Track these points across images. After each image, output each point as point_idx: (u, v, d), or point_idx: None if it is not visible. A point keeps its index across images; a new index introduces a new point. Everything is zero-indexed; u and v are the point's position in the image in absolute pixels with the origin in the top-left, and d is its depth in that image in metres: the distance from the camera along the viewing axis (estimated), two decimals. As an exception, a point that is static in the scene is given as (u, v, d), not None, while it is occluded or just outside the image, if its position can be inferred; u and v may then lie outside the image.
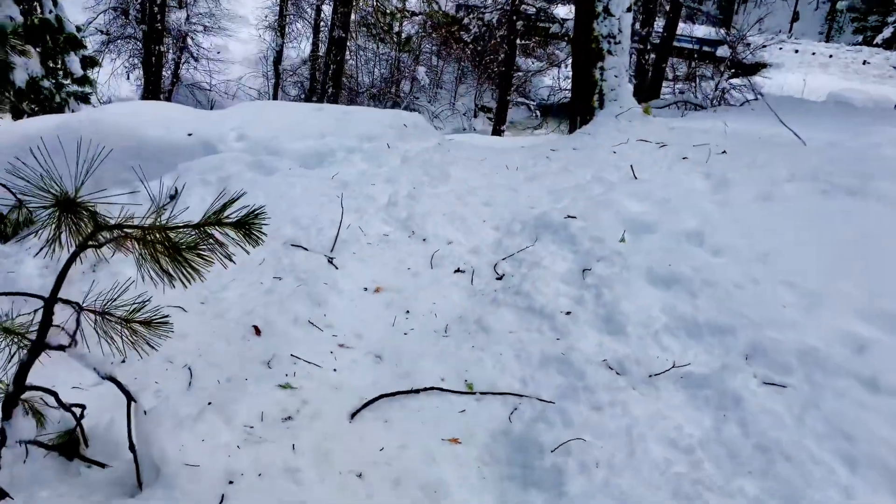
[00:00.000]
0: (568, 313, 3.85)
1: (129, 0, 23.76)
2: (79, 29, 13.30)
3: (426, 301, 4.18)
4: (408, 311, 4.07)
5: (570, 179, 6.09)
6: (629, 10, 7.36)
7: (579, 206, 5.27)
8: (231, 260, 2.35)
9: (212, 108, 25.54)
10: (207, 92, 25.79)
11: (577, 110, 7.70)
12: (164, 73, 25.05)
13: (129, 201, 5.79)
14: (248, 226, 2.29)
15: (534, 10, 22.21)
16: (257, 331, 3.75)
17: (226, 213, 2.30)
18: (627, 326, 3.65)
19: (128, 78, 24.32)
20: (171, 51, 25.16)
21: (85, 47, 12.89)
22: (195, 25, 25.01)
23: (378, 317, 4.01)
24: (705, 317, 3.60)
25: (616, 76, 7.40)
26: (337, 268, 4.46)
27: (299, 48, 27.49)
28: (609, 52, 7.36)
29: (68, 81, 12.31)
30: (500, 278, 4.43)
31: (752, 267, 3.95)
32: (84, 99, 12.56)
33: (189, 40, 25.14)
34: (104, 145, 6.41)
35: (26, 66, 11.88)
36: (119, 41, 24.17)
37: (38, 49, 12.40)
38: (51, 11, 12.41)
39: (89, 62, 12.77)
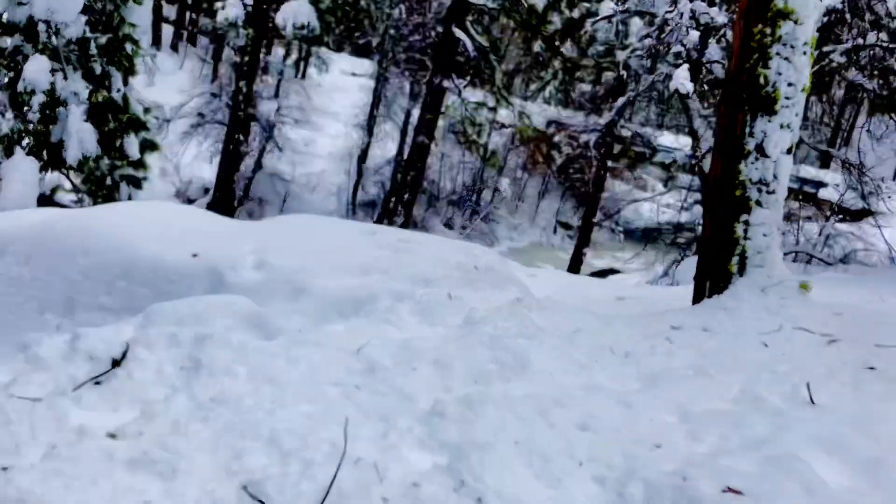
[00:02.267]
0: None
1: (223, 86, 23.17)
2: (147, 111, 12.15)
3: None
4: None
5: (710, 390, 3.94)
6: (790, 151, 5.35)
7: (739, 463, 3.11)
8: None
9: (283, 201, 24.44)
10: (288, 182, 24.76)
11: (705, 271, 5.59)
12: (247, 160, 24.19)
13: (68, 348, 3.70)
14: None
15: (629, 132, 20.49)
16: None
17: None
18: None
19: (210, 161, 23.53)
20: (257, 139, 24.35)
21: (147, 129, 11.63)
22: (285, 117, 24.19)
23: None
24: None
25: (765, 235, 5.33)
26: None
27: (385, 149, 26.39)
28: (758, 202, 5.31)
29: (122, 163, 10.98)
30: None
31: None
32: (136, 183, 11.20)
33: (276, 130, 24.30)
34: (87, 258, 4.56)
35: (81, 144, 10.61)
36: (208, 125, 23.51)
37: (103, 128, 11.19)
38: (119, 90, 11.23)
39: (149, 146, 11.46)
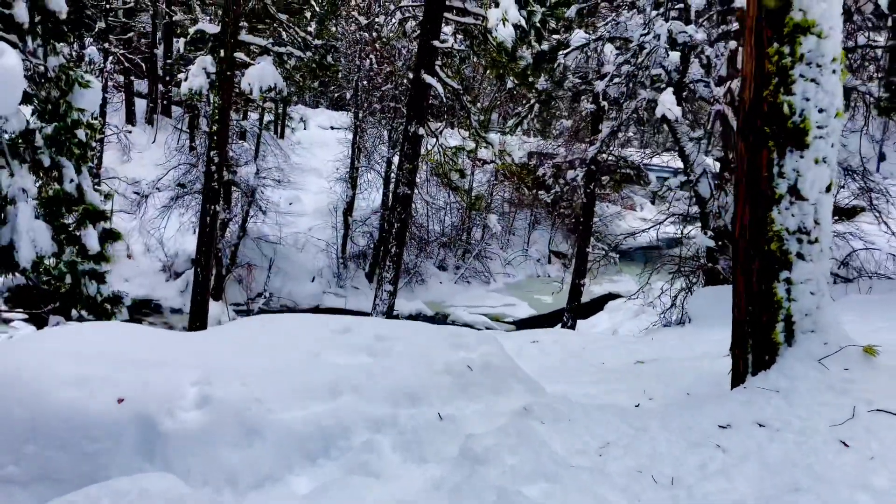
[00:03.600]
0: None
1: (199, 155, 22.25)
2: (107, 196, 11.11)
3: None
4: None
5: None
6: (829, 189, 4.32)
7: None
8: None
9: (270, 266, 23.33)
10: (274, 244, 23.72)
11: (743, 342, 4.50)
12: (231, 226, 23.17)
13: None
14: None
15: (613, 158, 19.51)
16: None
17: None
18: None
19: (194, 232, 22.49)
20: (239, 205, 23.35)
21: (107, 219, 10.58)
22: (265, 179, 23.23)
23: None
24: None
25: (813, 293, 4.28)
26: None
27: (369, 199, 25.43)
28: (800, 255, 4.26)
29: (79, 259, 9.91)
30: None
31: None
32: (99, 278, 10.11)
33: (258, 194, 23.32)
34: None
35: (34, 243, 9.55)
36: (188, 196, 22.53)
37: (57, 222, 10.16)
38: (72, 181, 10.20)
39: (109, 236, 10.39)
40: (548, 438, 3.73)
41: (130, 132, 27.66)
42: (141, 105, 29.69)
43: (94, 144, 10.91)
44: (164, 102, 29.63)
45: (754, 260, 4.40)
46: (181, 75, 16.25)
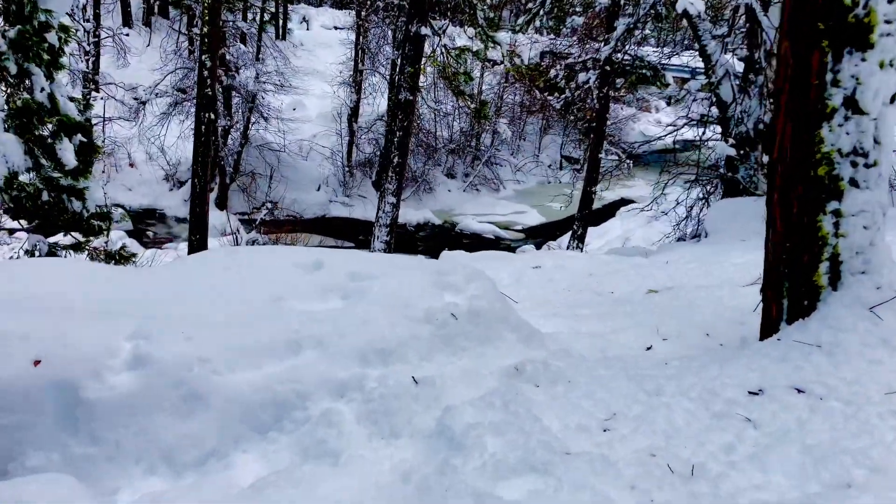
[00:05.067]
0: None
1: (197, 60, 21.07)
2: (87, 106, 10.24)
3: None
4: None
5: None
6: (893, 101, 3.47)
7: None
8: None
9: (270, 175, 22.47)
10: (278, 152, 22.84)
11: (777, 286, 3.76)
12: (233, 134, 22.25)
13: None
14: None
15: (629, 58, 18.18)
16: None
17: None
18: None
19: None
20: (240, 111, 22.34)
21: (87, 129, 9.75)
22: (265, 84, 22.09)
23: None
24: None
25: (866, 227, 3.50)
26: None
27: (374, 104, 24.28)
28: (853, 182, 3.45)
29: (58, 175, 9.16)
30: None
31: None
32: (78, 195, 9.39)
33: (260, 99, 22.24)
34: None
35: (4, 159, 8.81)
36: (188, 102, 21.51)
37: (29, 136, 9.36)
38: (43, 90, 9.33)
39: (86, 149, 9.59)
40: (541, 410, 3.06)
41: (127, 35, 26.34)
42: (138, 6, 28.18)
43: (67, 49, 9.92)
44: (161, 3, 28.09)
45: (796, 187, 3.59)
46: (167, -28, 14.97)
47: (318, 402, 3.21)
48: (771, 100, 10.64)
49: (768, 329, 3.79)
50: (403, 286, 4.11)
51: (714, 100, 11.23)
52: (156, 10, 27.81)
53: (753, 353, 3.53)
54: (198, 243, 15.90)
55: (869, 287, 3.52)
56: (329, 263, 4.50)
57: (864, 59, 3.37)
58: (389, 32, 23.44)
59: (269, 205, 18.33)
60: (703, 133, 11.50)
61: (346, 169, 23.94)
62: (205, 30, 15.13)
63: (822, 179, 3.50)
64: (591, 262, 6.71)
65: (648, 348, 4.48)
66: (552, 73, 18.57)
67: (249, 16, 23.72)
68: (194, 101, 20.96)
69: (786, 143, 3.62)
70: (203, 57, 15.10)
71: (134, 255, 11.40)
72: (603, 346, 4.34)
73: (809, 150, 3.51)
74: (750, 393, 3.19)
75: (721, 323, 4.81)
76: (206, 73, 15.13)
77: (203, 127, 15.37)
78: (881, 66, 3.38)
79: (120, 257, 10.63)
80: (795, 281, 3.65)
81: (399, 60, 14.21)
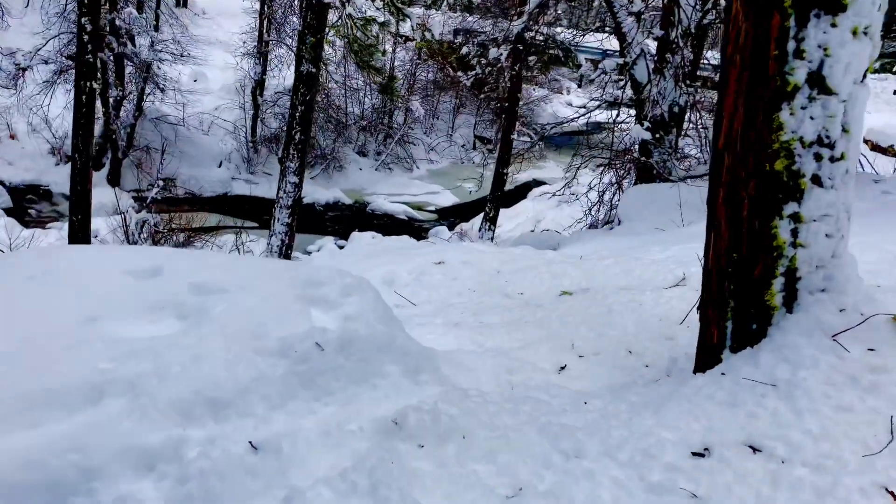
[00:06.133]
0: None
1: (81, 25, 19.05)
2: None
3: None
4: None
5: None
6: (866, 77, 2.76)
7: None
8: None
9: (162, 152, 20.70)
10: (176, 126, 21.09)
11: (719, 305, 3.01)
12: (126, 105, 20.36)
13: None
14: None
15: (541, 37, 17.48)
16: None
17: None
18: None
19: (82, 111, 19.60)
20: (133, 81, 20.45)
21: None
22: (161, 53, 20.27)
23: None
24: None
25: (829, 236, 2.80)
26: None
27: (280, 77, 22.78)
28: (816, 179, 2.74)
29: None
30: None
31: None
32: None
33: (155, 68, 20.39)
34: None
35: None
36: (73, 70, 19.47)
37: None
38: None
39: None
40: (423, 489, 2.20)
41: (7, -5, 23.75)
42: (19, -36, 25.44)
43: None
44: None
45: (747, 184, 2.83)
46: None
47: (112, 481, 2.24)
48: (687, 82, 10.12)
49: (708, 357, 3.04)
50: (259, 304, 3.15)
51: (628, 80, 10.62)
52: (41, -32, 25.16)
53: (694, 394, 2.77)
54: (80, 224, 14.25)
55: (831, 309, 2.82)
56: (170, 270, 3.48)
57: (833, 25, 2.63)
58: (297, 1, 21.95)
59: (159, 182, 16.76)
60: (617, 115, 10.90)
61: (251, 144, 22.43)
62: (84, -12, 13.48)
63: (779, 175, 2.75)
64: (500, 258, 5.92)
65: (562, 368, 3.71)
66: (464, 50, 17.67)
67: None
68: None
69: (735, 129, 2.86)
70: (83, 20, 13.45)
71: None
72: (510, 367, 3.53)
73: (765, 139, 2.75)
74: (694, 454, 2.43)
75: (645, 336, 4.08)
76: (86, 37, 13.50)
77: (84, 97, 13.73)
78: (854, 33, 2.64)
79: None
80: (743, 300, 2.91)
81: (301, 30, 12.99)
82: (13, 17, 21.74)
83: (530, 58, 15.70)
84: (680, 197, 8.85)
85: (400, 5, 14.41)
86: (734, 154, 2.87)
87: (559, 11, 17.55)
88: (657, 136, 9.79)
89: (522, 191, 25.15)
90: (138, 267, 3.51)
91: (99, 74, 19.11)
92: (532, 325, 4.45)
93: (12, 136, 20.74)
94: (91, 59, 13.67)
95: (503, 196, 19.73)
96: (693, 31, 9.49)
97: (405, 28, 19.77)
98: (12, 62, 20.70)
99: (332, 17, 13.76)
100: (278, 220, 13.76)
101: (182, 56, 21.01)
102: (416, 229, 21.83)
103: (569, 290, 5.05)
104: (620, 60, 10.03)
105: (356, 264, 6.00)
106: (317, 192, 22.12)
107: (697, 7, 9.44)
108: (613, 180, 11.53)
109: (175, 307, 3.18)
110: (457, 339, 4.18)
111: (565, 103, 34.12)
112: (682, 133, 10.77)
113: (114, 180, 20.06)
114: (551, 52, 19.41)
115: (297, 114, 13.40)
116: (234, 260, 3.70)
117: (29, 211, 18.99)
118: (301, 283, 3.43)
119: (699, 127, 11.07)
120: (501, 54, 13.20)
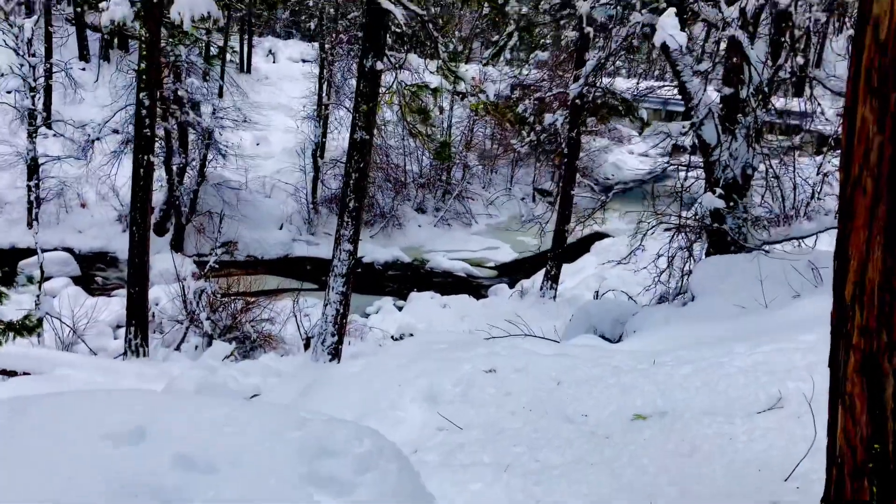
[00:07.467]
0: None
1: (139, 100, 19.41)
2: None
3: None
4: None
5: None
6: None
7: None
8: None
9: (221, 218, 20.68)
10: (237, 190, 21.17)
11: (857, 478, 2.18)
12: (189, 172, 20.56)
13: None
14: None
15: (600, 91, 16.82)
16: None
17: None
18: None
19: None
20: (196, 149, 20.68)
21: None
22: (222, 119, 20.46)
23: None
24: None
25: None
26: None
27: (340, 139, 22.73)
28: None
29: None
30: None
31: None
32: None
33: (217, 135, 20.58)
34: None
35: None
36: (140, 140, 19.77)
37: None
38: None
39: None
40: None
41: (83, 69, 24.68)
42: (95, 39, 26.50)
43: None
44: (121, 36, 26.42)
45: (892, 354, 2.03)
46: (102, 3, 13.37)
47: None
48: (760, 142, 9.24)
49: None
50: (251, 491, 2.49)
51: (696, 142, 9.78)
52: (115, 44, 26.16)
53: None
54: (137, 296, 14.15)
55: None
56: (155, 431, 2.86)
57: None
58: (354, 65, 21.99)
59: (217, 250, 16.60)
60: (685, 180, 10.05)
61: (311, 206, 22.32)
62: (142, 66, 13.56)
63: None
64: (560, 364, 5.15)
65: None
66: (520, 107, 17.13)
67: (213, 50, 22.17)
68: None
69: (869, 279, 2.07)
70: (141, 95, 13.51)
71: (39, 324, 9.72)
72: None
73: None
74: None
75: (739, 494, 3.23)
76: (143, 112, 13.54)
77: (142, 170, 13.73)
78: None
79: (22, 328, 8.94)
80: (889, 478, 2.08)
81: (355, 97, 12.67)
82: (88, 91, 22.46)
83: (589, 118, 15.02)
84: (760, 270, 7.91)
85: (454, 69, 13.96)
86: (870, 312, 2.08)
87: (617, 66, 16.86)
88: (731, 203, 8.90)
89: (585, 244, 24.20)
90: (121, 428, 2.90)
91: (163, 143, 19.44)
92: (599, 468, 3.65)
93: (83, 205, 21.18)
94: (148, 133, 13.69)
95: (565, 250, 18.92)
96: (766, 88, 8.64)
97: (459, 88, 19.42)
98: (83, 134, 21.29)
99: (388, 78, 13.46)
100: (333, 288, 13.28)
101: (244, 122, 21.20)
102: (475, 287, 21.14)
103: (642, 414, 4.23)
104: (686, 125, 9.23)
105: (399, 372, 5.32)
106: (375, 251, 21.76)
107: (769, 65, 8.60)
108: (683, 244, 10.60)
109: (151, 493, 2.55)
110: (507, 493, 3.42)
111: (627, 152, 33.22)
112: (759, 200, 9.80)
113: (177, 245, 20.16)
114: (611, 104, 18.67)
115: (351, 181, 13.01)
116: (234, 414, 3.07)
117: (96, 279, 19.16)
118: (309, 452, 2.76)
119: (768, 177, 9.95)
120: (557, 119, 12.56)
